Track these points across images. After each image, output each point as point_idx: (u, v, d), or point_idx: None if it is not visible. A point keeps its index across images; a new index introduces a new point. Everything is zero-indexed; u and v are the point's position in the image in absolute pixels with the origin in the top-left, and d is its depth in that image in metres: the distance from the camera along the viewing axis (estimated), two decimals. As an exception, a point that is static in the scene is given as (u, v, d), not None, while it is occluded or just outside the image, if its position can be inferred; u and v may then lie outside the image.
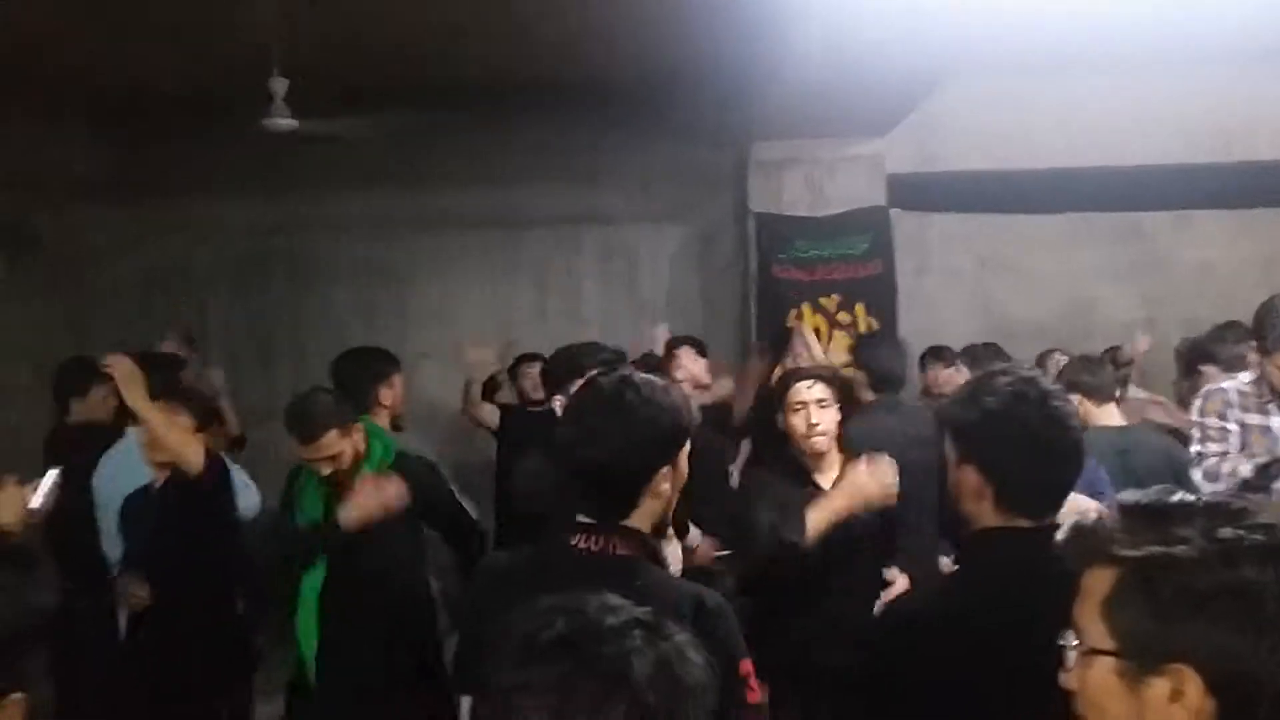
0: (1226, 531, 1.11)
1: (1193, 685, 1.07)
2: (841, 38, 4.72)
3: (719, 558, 3.88)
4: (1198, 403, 3.45)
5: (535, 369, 5.51)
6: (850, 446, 3.29)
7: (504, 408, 5.66)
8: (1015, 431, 1.82)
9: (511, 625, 1.08)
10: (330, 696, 3.42)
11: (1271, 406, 3.29)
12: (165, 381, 4.30)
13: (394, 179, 7.07)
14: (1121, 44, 6.01)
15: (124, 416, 4.26)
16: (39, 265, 6.40)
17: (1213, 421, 3.33)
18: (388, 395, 3.99)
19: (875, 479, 3.05)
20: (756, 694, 1.85)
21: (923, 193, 7.11)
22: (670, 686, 1.03)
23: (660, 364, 5.29)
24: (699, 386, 5.25)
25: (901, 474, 3.11)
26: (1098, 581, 1.17)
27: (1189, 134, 6.85)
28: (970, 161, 6.94)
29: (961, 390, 2.00)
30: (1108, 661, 1.14)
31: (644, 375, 1.94)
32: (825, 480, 3.26)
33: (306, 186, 7.00)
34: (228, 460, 4.09)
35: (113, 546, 3.98)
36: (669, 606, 1.92)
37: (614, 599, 1.11)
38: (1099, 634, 1.16)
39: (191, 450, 3.65)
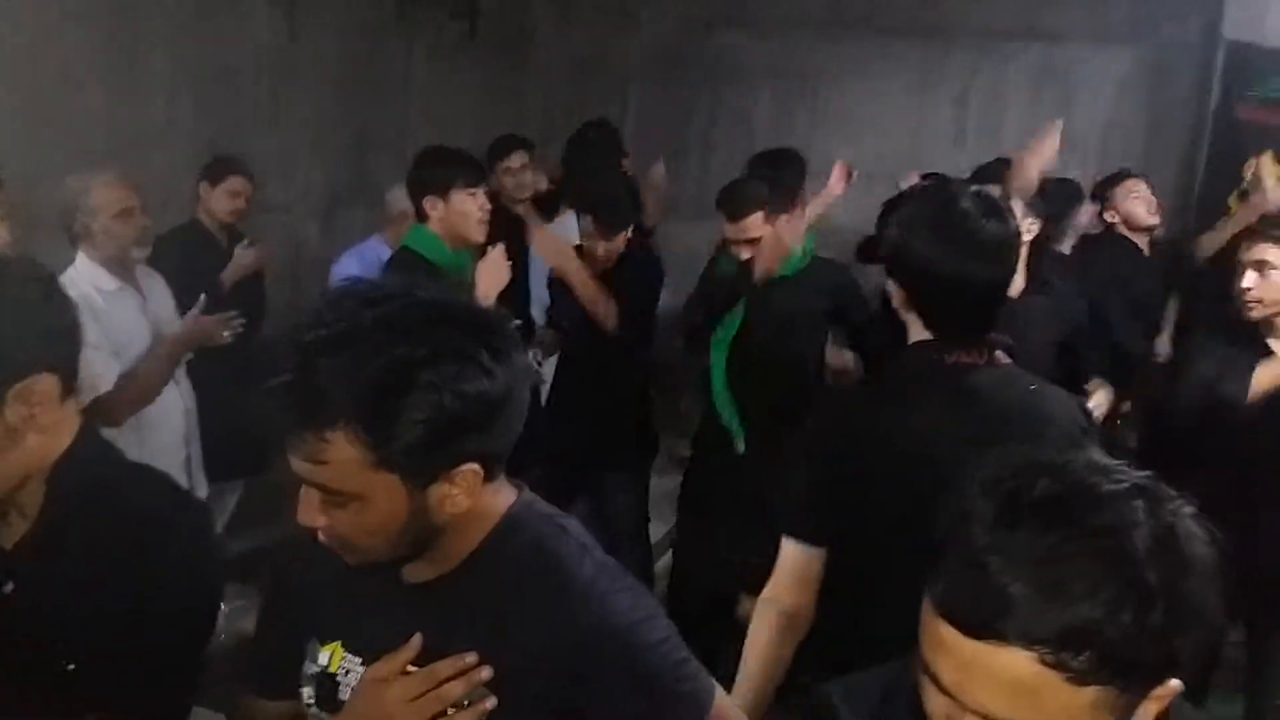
0: None
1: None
2: None
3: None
4: None
5: None
6: None
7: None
8: None
9: (975, 478, 0.97)
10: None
11: None
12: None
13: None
14: None
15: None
16: (487, 47, 6.78)
17: None
18: (800, 203, 4.03)
19: None
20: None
21: None
22: (1173, 562, 0.90)
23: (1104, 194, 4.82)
24: (1137, 229, 4.75)
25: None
26: None
27: None
28: None
29: None
30: None
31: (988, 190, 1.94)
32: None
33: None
34: None
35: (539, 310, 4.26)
36: (1067, 412, 1.92)
37: (1103, 457, 0.99)
38: None
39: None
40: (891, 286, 1.93)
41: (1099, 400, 3.45)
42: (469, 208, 3.28)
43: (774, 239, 3.46)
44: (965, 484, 0.96)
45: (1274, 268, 2.86)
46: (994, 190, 1.96)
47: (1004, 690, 0.92)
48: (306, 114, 5.37)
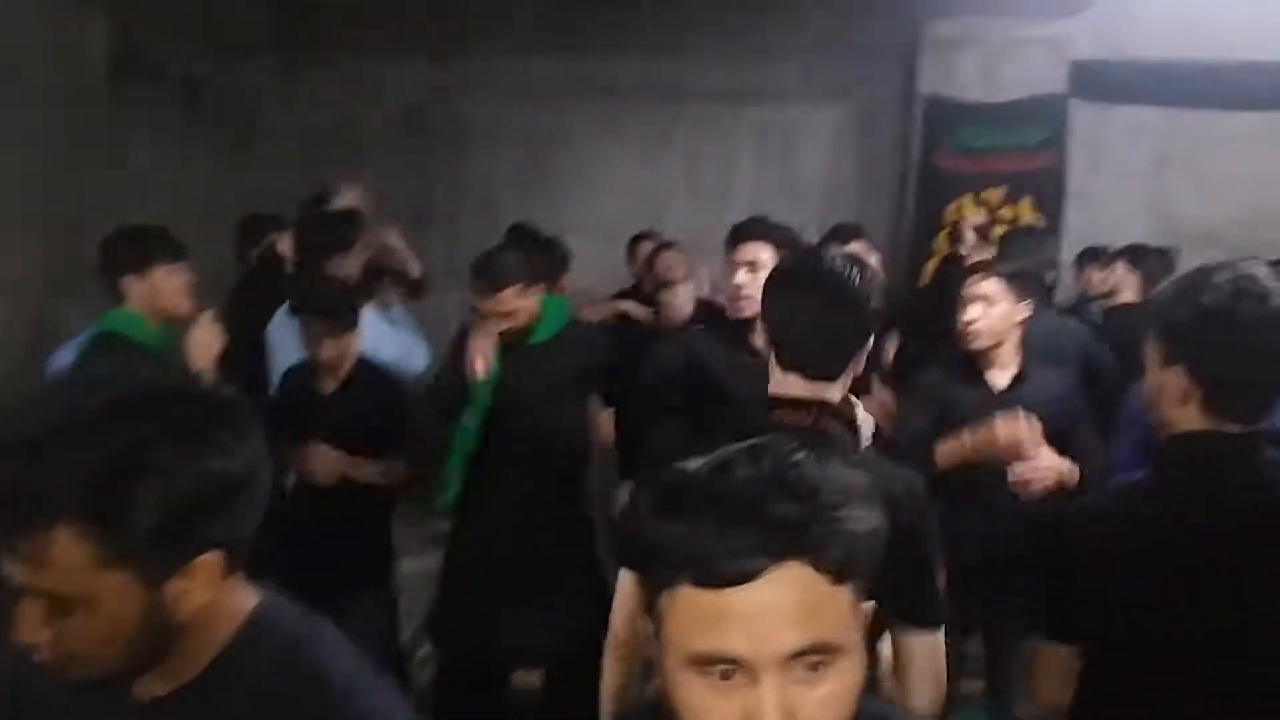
0: None
1: None
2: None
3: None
4: None
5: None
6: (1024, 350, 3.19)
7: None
8: (1233, 330, 1.72)
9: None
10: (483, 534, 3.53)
11: None
12: (344, 237, 4.39)
13: (549, 45, 6.98)
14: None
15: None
16: (209, 119, 6.57)
17: None
18: (566, 281, 4.07)
19: (1010, 435, 2.88)
20: None
21: (1106, 82, 6.64)
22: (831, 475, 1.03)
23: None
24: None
25: (1058, 376, 3.05)
26: None
27: None
28: (1160, 50, 6.45)
29: (1170, 288, 1.87)
30: None
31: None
32: (998, 377, 3.17)
33: (465, 49, 6.97)
34: (401, 315, 4.20)
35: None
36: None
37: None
38: None
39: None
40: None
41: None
42: (170, 283, 3.17)
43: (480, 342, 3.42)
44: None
45: (995, 303, 3.13)
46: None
47: (796, 613, 0.97)
48: (11, 196, 5.01)
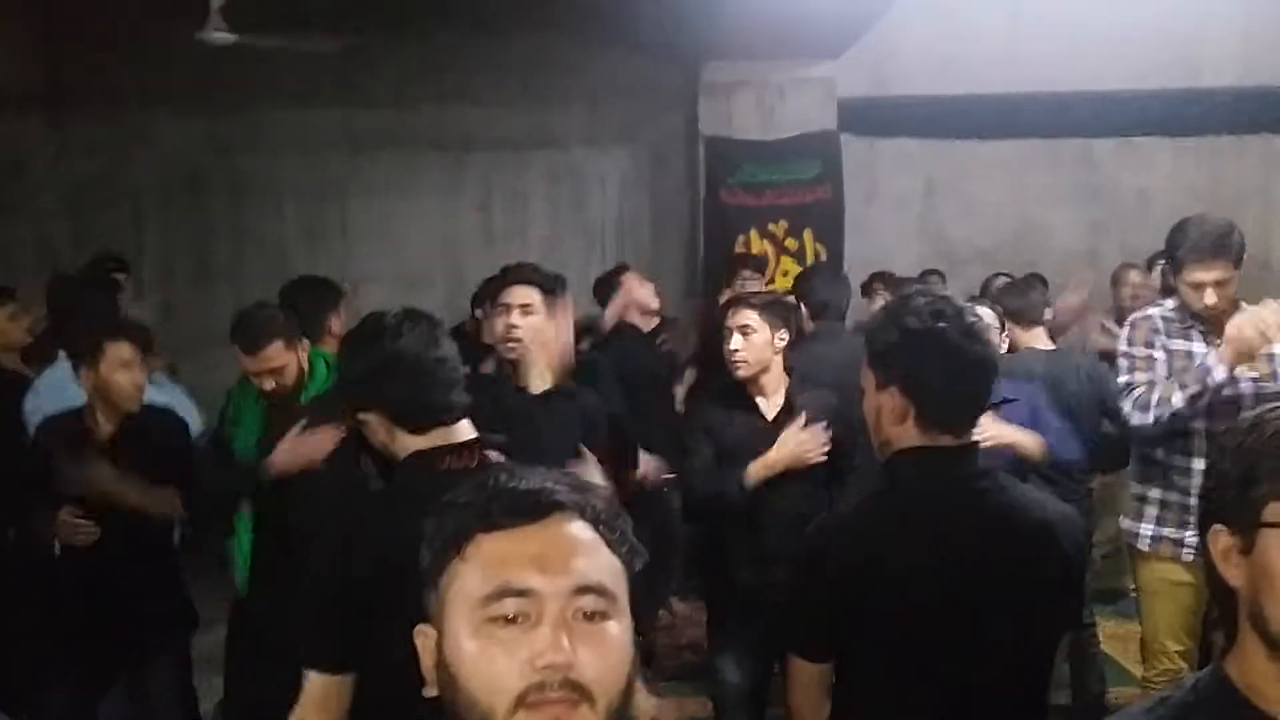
0: None
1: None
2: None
3: (668, 480, 3.95)
4: (1125, 331, 3.44)
5: None
6: (792, 375, 3.34)
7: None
8: (937, 348, 1.87)
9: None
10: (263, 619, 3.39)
11: (1192, 331, 3.29)
12: (100, 309, 4.22)
13: (333, 97, 6.91)
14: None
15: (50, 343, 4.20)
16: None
17: (1140, 350, 3.32)
18: (337, 324, 3.97)
19: (809, 443, 3.15)
20: None
21: (872, 117, 7.07)
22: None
23: (605, 295, 5.27)
24: (646, 312, 5.24)
25: (842, 400, 3.17)
26: None
27: (1136, 60, 6.88)
28: (920, 86, 6.92)
29: (878, 315, 2.05)
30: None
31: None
32: (766, 405, 3.29)
33: (246, 103, 6.81)
34: (171, 385, 4.03)
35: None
36: None
37: None
38: None
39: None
40: None
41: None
42: None
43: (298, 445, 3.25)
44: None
45: (755, 331, 3.26)
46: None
47: (579, 551, 1.05)
48: None
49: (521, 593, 1.02)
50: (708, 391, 3.55)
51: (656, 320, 5.30)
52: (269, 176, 7.09)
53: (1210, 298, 3.17)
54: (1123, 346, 3.41)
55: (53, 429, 3.49)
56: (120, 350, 3.38)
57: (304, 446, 3.19)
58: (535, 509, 1.06)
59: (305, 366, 3.44)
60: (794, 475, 3.16)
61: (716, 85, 6.70)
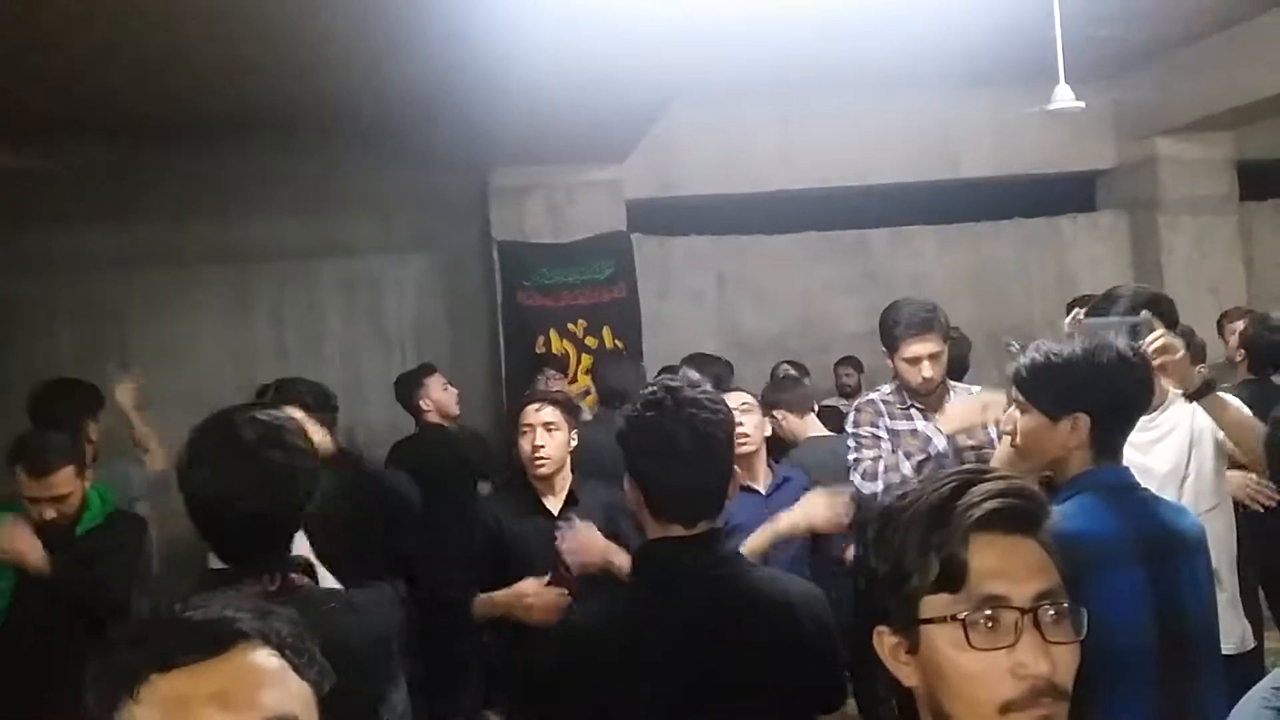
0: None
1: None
2: (572, 65, 4.79)
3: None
4: (852, 415, 3.58)
5: None
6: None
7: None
8: (650, 439, 1.85)
9: None
10: None
11: (912, 410, 3.46)
12: None
13: (100, 214, 6.63)
14: (842, 69, 6.40)
15: None
16: None
17: (865, 430, 3.46)
18: (95, 430, 3.78)
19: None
20: None
21: (661, 216, 7.32)
22: None
23: (409, 397, 5.22)
24: (447, 417, 5.20)
25: (605, 489, 3.16)
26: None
27: (904, 154, 7.39)
28: (703, 185, 7.22)
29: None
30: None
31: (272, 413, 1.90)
32: (553, 504, 3.27)
33: (15, 225, 6.46)
34: None
35: None
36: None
37: None
38: None
39: None
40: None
41: None
42: None
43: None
44: None
45: (557, 428, 3.27)
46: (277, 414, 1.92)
47: (266, 682, 1.01)
48: None
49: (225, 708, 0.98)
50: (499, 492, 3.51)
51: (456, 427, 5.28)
52: (40, 300, 6.71)
53: (927, 370, 3.35)
54: (850, 428, 3.53)
55: None
56: None
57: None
58: (215, 642, 1.01)
59: (82, 500, 3.27)
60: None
61: (507, 190, 6.80)
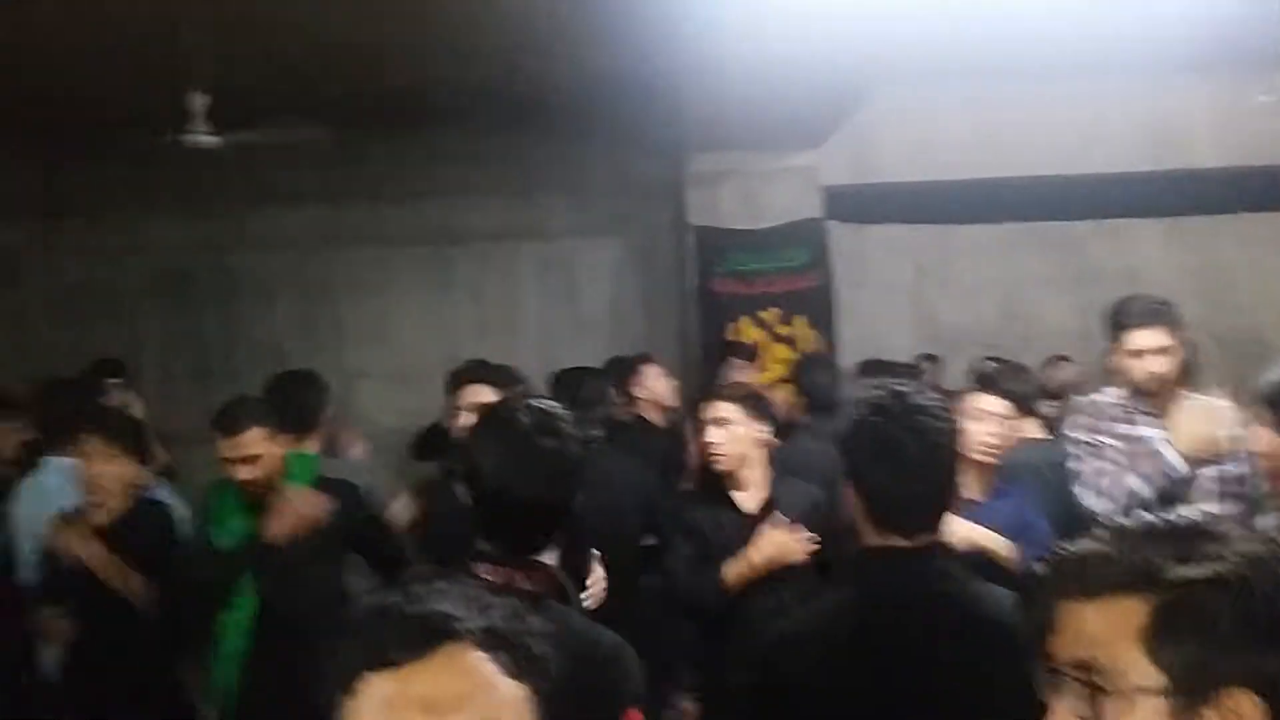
0: (1253, 548, 1.02)
1: (1248, 704, 0.98)
2: (771, 50, 4.72)
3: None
4: (1070, 418, 3.38)
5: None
6: (775, 467, 3.28)
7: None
8: (874, 445, 1.78)
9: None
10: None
11: (1136, 415, 3.20)
12: (82, 408, 4.21)
13: (323, 195, 7.00)
14: (1053, 53, 6.08)
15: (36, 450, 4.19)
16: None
17: (1084, 435, 3.26)
18: (325, 421, 3.97)
19: (788, 543, 3.06)
20: None
21: (859, 204, 7.14)
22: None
23: (624, 381, 5.21)
24: (662, 407, 5.17)
25: (829, 492, 3.10)
26: (1123, 613, 1.03)
27: (1119, 143, 6.97)
28: (904, 173, 7.00)
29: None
30: (1155, 702, 1.00)
31: (548, 404, 1.90)
32: (745, 499, 3.23)
33: (234, 203, 6.90)
34: (161, 488, 4.00)
35: (31, 575, 3.82)
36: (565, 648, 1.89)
37: None
38: (1142, 672, 1.01)
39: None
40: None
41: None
42: None
43: (289, 505, 3.26)
44: None
45: (731, 422, 3.21)
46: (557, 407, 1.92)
47: (472, 688, 1.00)
48: None
49: None
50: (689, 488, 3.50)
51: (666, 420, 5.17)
52: (259, 275, 7.14)
53: (1154, 364, 3.11)
54: (1068, 432, 3.33)
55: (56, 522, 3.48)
56: (97, 443, 3.39)
57: (297, 507, 3.19)
58: (425, 641, 1.00)
59: (281, 464, 3.39)
60: (780, 573, 3.07)
61: (703, 175, 6.78)
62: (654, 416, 5.11)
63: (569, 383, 4.36)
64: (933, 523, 1.82)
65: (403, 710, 0.98)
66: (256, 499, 3.33)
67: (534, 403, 1.88)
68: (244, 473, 3.30)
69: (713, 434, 3.20)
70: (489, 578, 1.78)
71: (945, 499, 1.83)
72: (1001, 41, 5.75)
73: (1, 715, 3.88)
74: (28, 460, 4.28)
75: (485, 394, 3.08)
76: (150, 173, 6.56)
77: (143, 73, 5.25)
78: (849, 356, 6.39)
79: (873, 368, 5.98)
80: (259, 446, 3.30)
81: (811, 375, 4.72)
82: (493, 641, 1.02)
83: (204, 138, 4.99)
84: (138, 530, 3.43)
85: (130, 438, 3.51)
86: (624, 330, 7.07)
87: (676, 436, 5.04)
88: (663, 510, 3.63)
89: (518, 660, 1.03)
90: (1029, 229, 7.42)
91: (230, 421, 3.30)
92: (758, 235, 6.74)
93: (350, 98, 6.07)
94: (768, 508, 3.19)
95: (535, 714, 1.03)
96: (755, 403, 3.30)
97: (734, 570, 3.07)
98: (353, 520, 3.42)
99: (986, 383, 4.16)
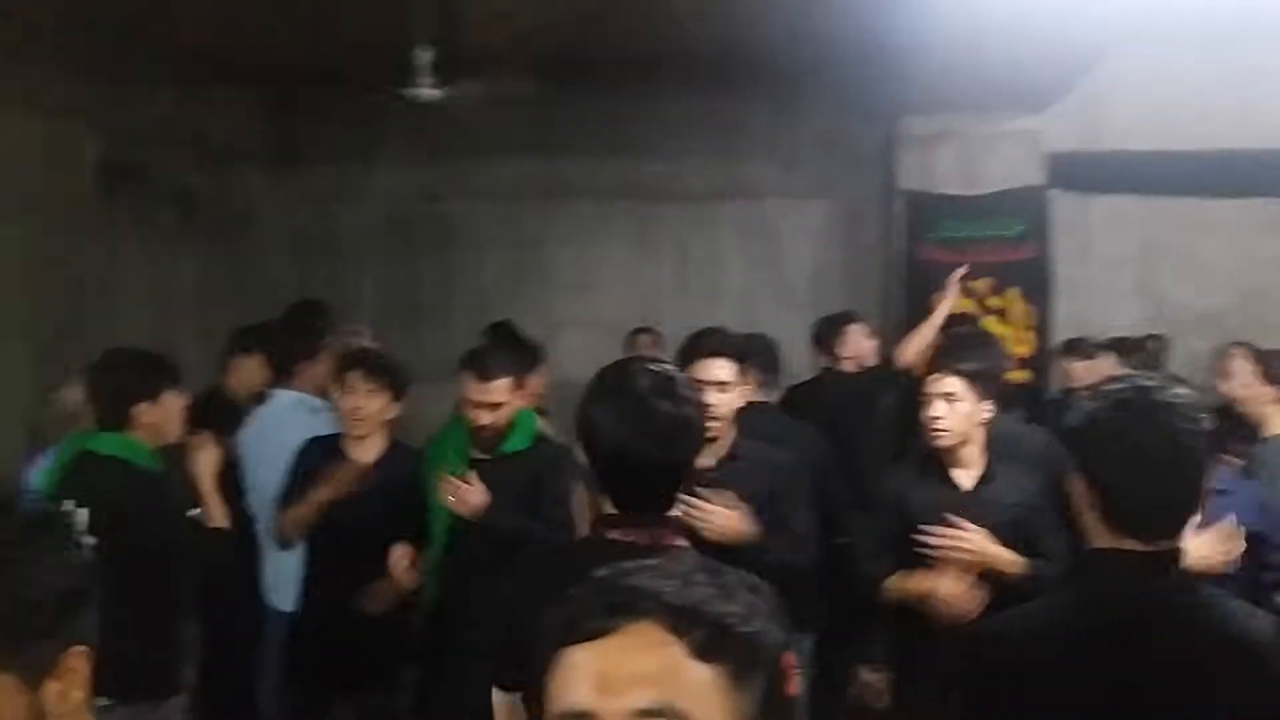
0: None
1: None
2: (996, 8, 4.51)
3: None
4: None
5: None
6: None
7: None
8: (1116, 442, 1.66)
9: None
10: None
11: None
12: (306, 341, 4.45)
13: (537, 148, 7.12)
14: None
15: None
16: (200, 226, 6.68)
17: None
18: (535, 383, 4.07)
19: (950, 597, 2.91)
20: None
21: (1084, 173, 6.74)
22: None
23: (826, 340, 5.18)
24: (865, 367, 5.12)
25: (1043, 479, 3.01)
26: None
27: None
28: (1136, 140, 6.56)
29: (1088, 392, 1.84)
30: None
31: (665, 366, 1.93)
32: (963, 477, 3.12)
33: (453, 155, 7.12)
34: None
35: (261, 504, 4.02)
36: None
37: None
38: None
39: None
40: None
41: None
42: (175, 410, 3.23)
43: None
44: None
45: (958, 400, 3.08)
46: (672, 369, 1.96)
47: (646, 671, 0.96)
48: (1, 304, 5.08)
49: (580, 715, 0.97)
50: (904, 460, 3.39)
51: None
52: (473, 225, 7.37)
53: None
54: None
55: (311, 451, 3.63)
56: (359, 378, 3.53)
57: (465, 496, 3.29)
58: (611, 617, 0.98)
59: (514, 416, 3.50)
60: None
61: (915, 139, 6.55)
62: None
63: None
64: (1174, 530, 1.70)
65: (582, 684, 0.97)
66: (483, 444, 3.45)
67: (651, 365, 1.91)
68: (486, 417, 3.41)
69: (938, 408, 3.08)
70: (623, 539, 1.80)
71: (1191, 505, 1.71)
72: (1252, 4, 5.31)
73: (240, 642, 4.18)
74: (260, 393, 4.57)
75: (722, 370, 3.02)
76: (374, 124, 6.87)
77: (370, 30, 5.48)
78: (1064, 333, 6.09)
79: (1075, 347, 5.66)
80: (504, 394, 3.41)
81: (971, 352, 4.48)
82: (686, 621, 0.98)
83: (426, 91, 5.17)
84: (393, 471, 3.54)
85: (390, 375, 3.62)
86: (825, 295, 6.94)
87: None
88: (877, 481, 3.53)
89: (713, 639, 0.98)
90: (1270, 205, 6.85)
91: (484, 367, 3.41)
92: (972, 202, 6.48)
93: (568, 54, 6.16)
94: (982, 484, 3.09)
95: (727, 694, 0.98)
96: (985, 381, 3.15)
97: (895, 586, 2.99)
98: (547, 487, 3.48)
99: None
